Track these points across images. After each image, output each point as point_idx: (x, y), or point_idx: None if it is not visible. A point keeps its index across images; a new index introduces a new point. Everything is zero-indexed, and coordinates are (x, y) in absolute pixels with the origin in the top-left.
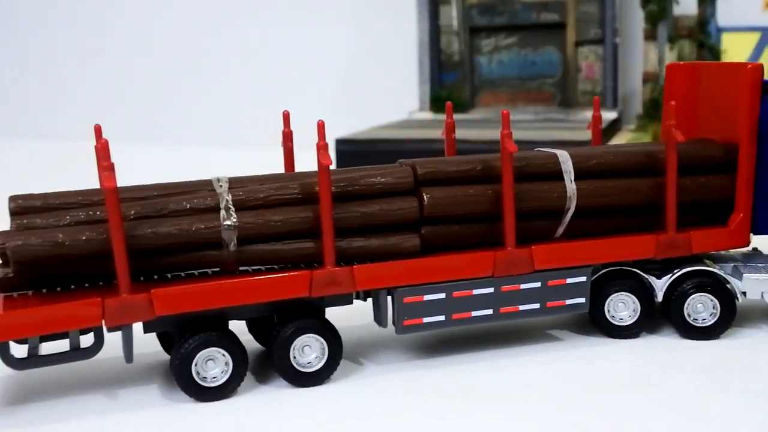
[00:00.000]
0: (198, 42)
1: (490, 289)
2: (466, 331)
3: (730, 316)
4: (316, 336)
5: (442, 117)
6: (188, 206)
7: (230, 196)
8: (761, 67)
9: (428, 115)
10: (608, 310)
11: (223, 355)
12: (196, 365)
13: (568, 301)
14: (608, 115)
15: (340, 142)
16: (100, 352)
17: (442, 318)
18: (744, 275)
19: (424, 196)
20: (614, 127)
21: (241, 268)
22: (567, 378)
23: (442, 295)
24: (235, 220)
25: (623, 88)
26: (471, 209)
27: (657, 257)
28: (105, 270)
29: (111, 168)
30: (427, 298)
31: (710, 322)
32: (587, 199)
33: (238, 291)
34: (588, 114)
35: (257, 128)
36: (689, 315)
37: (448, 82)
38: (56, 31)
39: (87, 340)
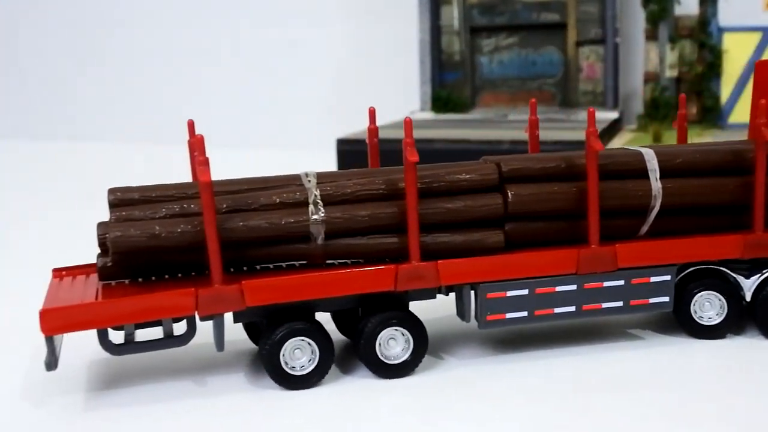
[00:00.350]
0: (199, 42)
1: (573, 287)
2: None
3: None
4: (402, 329)
5: (443, 117)
6: (278, 200)
7: (318, 191)
8: None
9: (429, 115)
10: (694, 310)
11: (310, 345)
12: (284, 354)
13: (652, 300)
14: (609, 115)
15: (341, 143)
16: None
17: (524, 314)
18: None
19: (509, 193)
20: (615, 127)
21: (327, 262)
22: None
23: (525, 292)
24: (323, 214)
25: (624, 88)
26: (555, 206)
27: (744, 257)
28: (198, 261)
29: (206, 162)
30: (510, 294)
31: None
32: (672, 198)
33: (325, 284)
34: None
35: (257, 128)
36: None
37: (449, 82)
38: (56, 32)
39: (180, 327)
